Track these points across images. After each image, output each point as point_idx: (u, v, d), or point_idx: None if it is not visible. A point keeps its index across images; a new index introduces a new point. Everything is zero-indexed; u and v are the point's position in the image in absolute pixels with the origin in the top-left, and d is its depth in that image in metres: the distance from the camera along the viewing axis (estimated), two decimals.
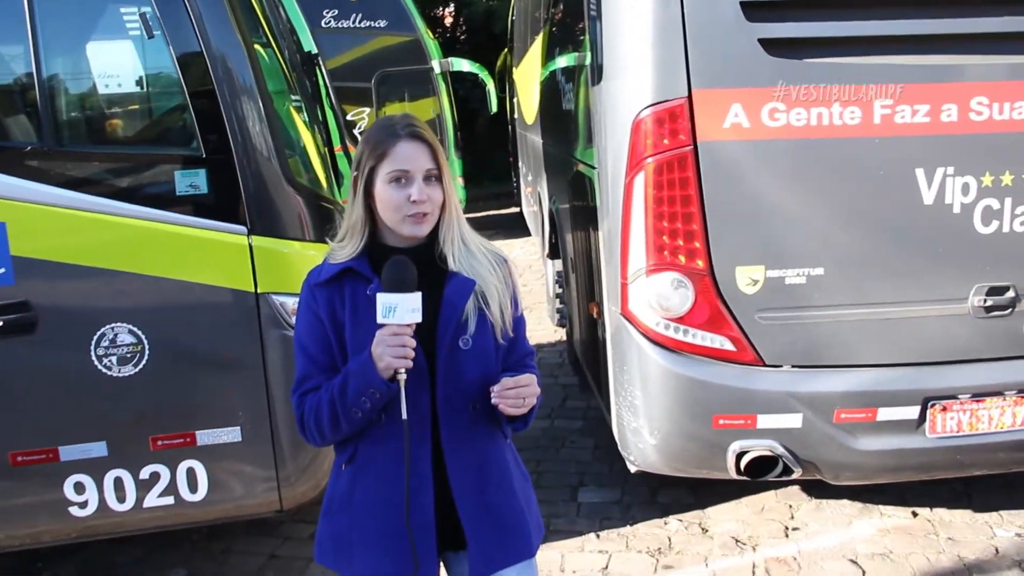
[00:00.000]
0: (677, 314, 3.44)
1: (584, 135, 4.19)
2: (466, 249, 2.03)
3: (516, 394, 1.95)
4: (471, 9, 15.62)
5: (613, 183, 3.52)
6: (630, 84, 3.38)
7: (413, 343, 1.88)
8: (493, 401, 1.95)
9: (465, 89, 13.35)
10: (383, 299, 1.87)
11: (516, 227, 11.52)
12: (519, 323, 2.12)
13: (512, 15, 10.77)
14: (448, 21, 16.76)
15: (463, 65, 9.91)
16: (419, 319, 1.88)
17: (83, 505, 3.33)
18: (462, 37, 16.51)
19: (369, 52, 9.58)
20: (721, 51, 3.28)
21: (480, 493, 2.05)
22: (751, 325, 3.44)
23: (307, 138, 3.83)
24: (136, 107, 3.37)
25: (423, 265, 1.97)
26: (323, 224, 3.54)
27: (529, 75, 7.65)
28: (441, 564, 2.18)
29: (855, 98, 3.30)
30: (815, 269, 3.41)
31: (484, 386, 1.98)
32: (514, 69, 10.14)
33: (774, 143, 3.33)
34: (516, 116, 10.39)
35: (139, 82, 3.28)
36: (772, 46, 3.27)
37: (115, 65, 3.21)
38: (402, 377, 1.88)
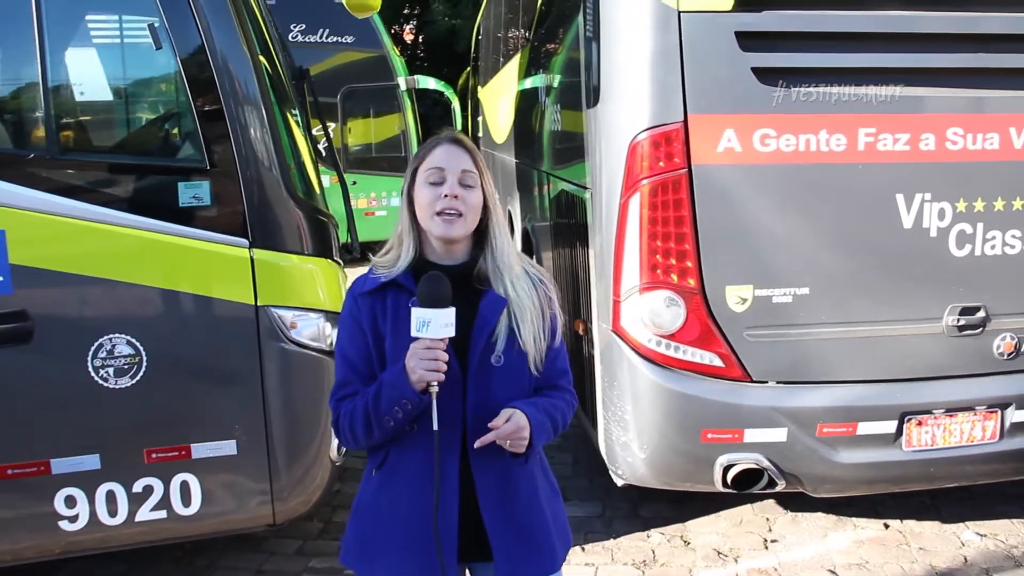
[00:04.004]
0: (668, 331, 3.55)
1: (572, 155, 4.29)
2: (508, 266, 2.07)
3: (497, 436, 1.95)
4: (433, 27, 15.72)
5: (607, 203, 3.62)
6: (627, 107, 3.49)
7: (446, 357, 1.92)
8: (478, 445, 1.97)
9: (425, 106, 13.42)
10: (417, 313, 1.91)
11: None
12: (554, 353, 2.14)
13: (478, 35, 10.88)
14: (408, 38, 16.84)
15: (429, 83, 10.00)
16: (452, 334, 1.91)
17: (73, 519, 3.29)
18: (421, 54, 16.59)
19: (335, 67, 9.62)
20: (716, 78, 3.41)
21: (506, 506, 2.08)
22: (739, 342, 3.56)
23: (304, 151, 3.86)
24: (140, 117, 3.37)
25: (463, 281, 2.02)
26: (321, 238, 3.58)
27: (500, 95, 7.75)
28: (468, 573, 2.23)
29: (841, 126, 3.46)
30: (801, 288, 3.55)
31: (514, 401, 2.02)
32: (480, 88, 10.24)
33: (765, 168, 3.47)
34: (481, 135, 10.48)
35: (144, 93, 3.29)
36: (765, 75, 3.41)
37: (120, 75, 3.22)
38: (434, 390, 1.92)
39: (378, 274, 2.07)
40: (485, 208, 2.06)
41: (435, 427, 1.93)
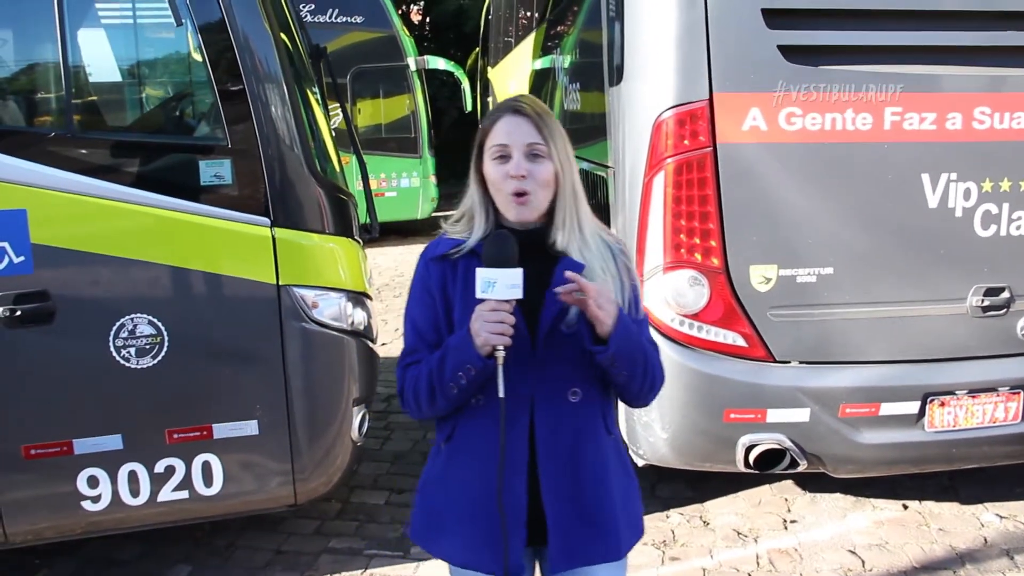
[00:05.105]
0: (692, 311, 3.53)
1: (592, 135, 4.25)
2: (580, 235, 1.97)
3: (578, 283, 1.82)
4: (441, 8, 15.59)
5: (630, 182, 3.59)
6: (652, 85, 3.46)
7: (512, 320, 1.81)
8: (559, 290, 1.86)
9: (433, 87, 13.35)
10: (482, 274, 1.82)
11: None
12: (636, 325, 1.99)
13: (487, 15, 10.81)
14: (416, 19, 16.73)
15: (439, 63, 9.95)
16: (519, 295, 1.81)
17: (96, 499, 3.29)
18: (428, 35, 16.49)
19: (344, 47, 9.56)
20: (742, 56, 3.38)
21: (569, 484, 1.97)
22: (763, 322, 3.54)
23: (324, 129, 3.83)
24: (161, 96, 3.34)
25: (537, 246, 1.94)
26: (341, 216, 3.56)
27: (513, 74, 7.69)
28: (536, 562, 2.12)
29: (867, 105, 3.42)
30: (825, 268, 3.53)
31: (585, 374, 1.95)
32: (489, 68, 10.17)
33: (790, 146, 3.44)
34: None
35: (165, 71, 3.25)
36: (791, 52, 3.38)
37: (141, 54, 3.18)
38: (500, 354, 1.82)
39: (452, 237, 2.00)
40: (557, 176, 1.95)
41: (501, 394, 1.84)
